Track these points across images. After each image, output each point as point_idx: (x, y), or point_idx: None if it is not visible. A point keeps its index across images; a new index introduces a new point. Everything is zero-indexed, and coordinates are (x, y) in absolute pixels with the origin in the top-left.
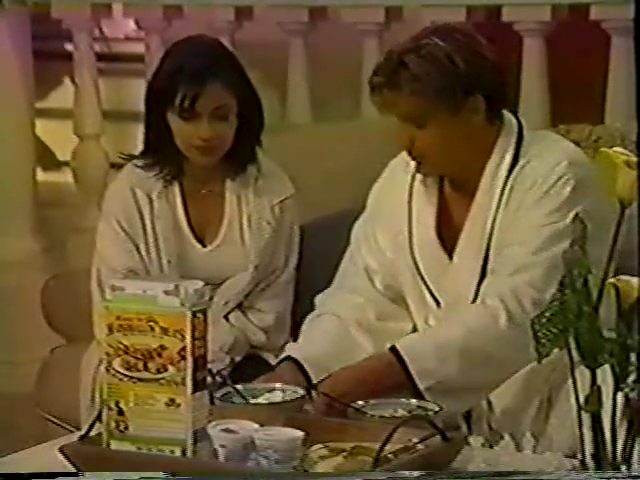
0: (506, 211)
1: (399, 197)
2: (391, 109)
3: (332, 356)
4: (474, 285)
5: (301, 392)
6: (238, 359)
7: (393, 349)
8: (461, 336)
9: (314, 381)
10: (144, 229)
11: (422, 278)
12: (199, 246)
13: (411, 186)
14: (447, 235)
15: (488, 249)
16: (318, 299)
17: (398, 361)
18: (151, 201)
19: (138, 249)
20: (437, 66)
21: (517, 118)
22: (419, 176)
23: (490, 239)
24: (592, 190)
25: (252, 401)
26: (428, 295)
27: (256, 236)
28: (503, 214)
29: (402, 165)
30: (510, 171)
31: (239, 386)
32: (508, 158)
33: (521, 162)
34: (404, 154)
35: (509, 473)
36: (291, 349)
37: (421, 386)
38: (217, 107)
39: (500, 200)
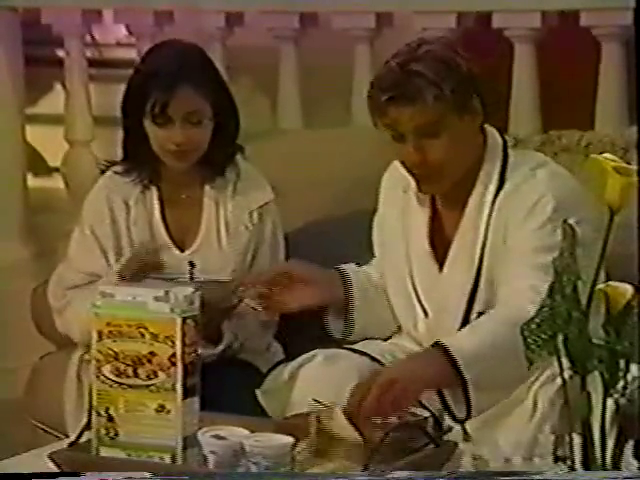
0: (495, 238)
1: (393, 210)
2: (406, 123)
3: None
4: (464, 298)
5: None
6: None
7: (437, 344)
8: (503, 331)
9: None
10: (118, 235)
11: (414, 287)
12: (177, 251)
13: (404, 199)
14: (439, 247)
15: (480, 267)
16: None
17: (444, 354)
18: (128, 207)
19: (106, 255)
20: (447, 68)
21: (501, 135)
22: (412, 189)
23: (481, 259)
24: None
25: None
26: (417, 304)
27: (233, 240)
28: (492, 241)
29: (393, 180)
30: (497, 193)
31: None
32: (495, 177)
33: (507, 187)
34: (394, 169)
35: (500, 474)
36: None
37: (467, 375)
38: (189, 112)
39: (488, 224)
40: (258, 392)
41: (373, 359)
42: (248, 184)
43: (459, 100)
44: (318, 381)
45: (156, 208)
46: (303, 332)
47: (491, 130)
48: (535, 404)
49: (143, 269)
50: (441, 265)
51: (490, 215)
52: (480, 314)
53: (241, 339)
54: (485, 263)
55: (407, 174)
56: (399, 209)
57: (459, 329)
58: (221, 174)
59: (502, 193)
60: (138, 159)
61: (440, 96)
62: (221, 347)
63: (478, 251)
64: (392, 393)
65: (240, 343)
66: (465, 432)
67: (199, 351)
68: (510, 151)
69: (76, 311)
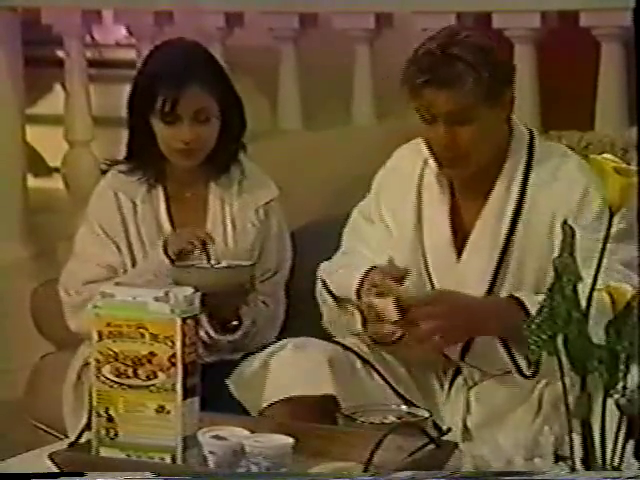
0: (532, 230)
1: (407, 191)
2: (441, 106)
3: None
4: (484, 286)
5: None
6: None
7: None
8: None
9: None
10: (127, 233)
11: (428, 274)
12: None
13: (420, 183)
14: (457, 234)
15: (502, 260)
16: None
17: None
18: (135, 205)
19: (120, 250)
20: (485, 55)
21: (527, 127)
22: (431, 172)
23: (505, 250)
24: None
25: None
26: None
27: (240, 238)
28: (526, 233)
29: (410, 159)
30: (524, 185)
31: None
32: (521, 168)
33: (539, 178)
34: (412, 147)
35: (501, 474)
36: None
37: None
38: (197, 110)
39: (517, 215)
40: (230, 384)
41: (346, 348)
42: (253, 181)
43: (494, 88)
44: (290, 369)
45: (162, 207)
46: (303, 332)
47: (517, 122)
48: (540, 403)
49: (187, 249)
50: (459, 253)
51: (520, 206)
52: None
53: (258, 326)
54: (514, 252)
55: (430, 156)
56: (413, 194)
57: None
58: (226, 172)
59: (533, 185)
60: (143, 158)
61: (478, 81)
62: (240, 333)
63: (502, 240)
64: (457, 318)
65: (256, 330)
66: (466, 429)
67: (220, 337)
68: (537, 142)
69: None
